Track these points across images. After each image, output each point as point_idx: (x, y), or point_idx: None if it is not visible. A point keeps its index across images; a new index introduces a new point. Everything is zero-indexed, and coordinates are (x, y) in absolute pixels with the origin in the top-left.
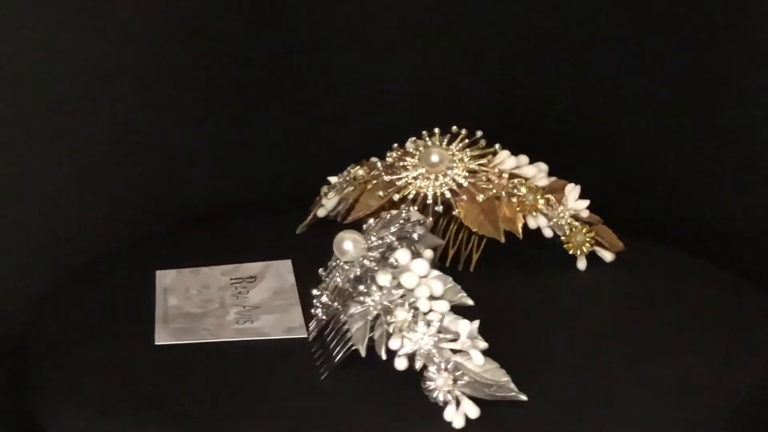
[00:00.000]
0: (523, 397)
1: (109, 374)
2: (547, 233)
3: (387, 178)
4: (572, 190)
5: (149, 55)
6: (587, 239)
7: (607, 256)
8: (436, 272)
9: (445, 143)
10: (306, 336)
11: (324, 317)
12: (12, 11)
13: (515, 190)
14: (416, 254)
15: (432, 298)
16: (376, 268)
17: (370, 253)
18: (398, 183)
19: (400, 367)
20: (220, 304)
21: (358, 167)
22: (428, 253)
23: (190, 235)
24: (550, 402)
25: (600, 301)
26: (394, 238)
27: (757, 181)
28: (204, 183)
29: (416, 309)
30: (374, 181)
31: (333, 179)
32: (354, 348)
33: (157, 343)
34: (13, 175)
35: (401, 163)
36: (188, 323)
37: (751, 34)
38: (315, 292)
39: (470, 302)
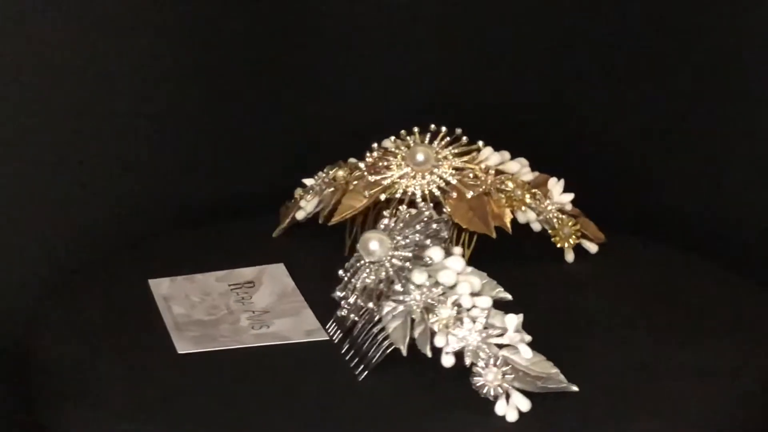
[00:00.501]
0: (574, 388)
1: (130, 383)
2: (536, 227)
3: (371, 178)
4: (556, 184)
5: (149, 55)
6: (574, 232)
7: (592, 247)
8: (470, 268)
9: (426, 141)
10: (326, 338)
11: (356, 318)
12: (12, 11)
13: (503, 186)
14: (447, 251)
15: (472, 294)
16: (410, 266)
17: (397, 252)
18: (384, 182)
19: (447, 364)
20: (227, 310)
21: (337, 168)
22: (458, 250)
23: (171, 240)
24: (590, 388)
25: (599, 292)
26: (422, 237)
27: (742, 175)
28: (204, 183)
29: (459, 306)
30: (355, 182)
31: (308, 181)
32: (391, 348)
33: (180, 353)
34: (13, 175)
35: (384, 163)
36: (203, 331)
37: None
38: (339, 293)
39: (508, 297)
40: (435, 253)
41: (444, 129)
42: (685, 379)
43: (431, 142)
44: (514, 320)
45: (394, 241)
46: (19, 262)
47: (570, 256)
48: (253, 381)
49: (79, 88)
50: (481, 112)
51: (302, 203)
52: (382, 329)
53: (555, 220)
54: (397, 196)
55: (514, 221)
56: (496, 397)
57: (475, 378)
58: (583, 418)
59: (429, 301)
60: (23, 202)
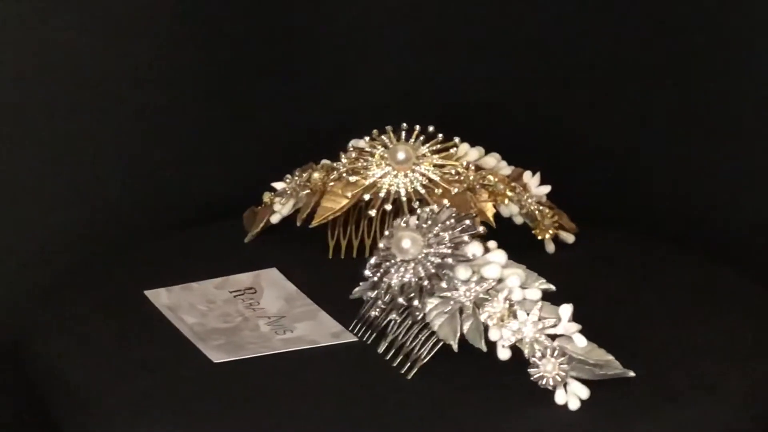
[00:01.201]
0: (631, 373)
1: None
2: (518, 221)
3: (351, 178)
4: (532, 177)
5: (149, 55)
6: (552, 223)
7: (569, 238)
8: (511, 262)
9: (402, 140)
10: (354, 339)
11: (396, 317)
12: (12, 12)
13: (485, 181)
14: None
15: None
16: (451, 262)
17: (432, 250)
18: (366, 182)
19: (504, 358)
20: (242, 317)
21: (311, 170)
22: (493, 244)
23: (148, 248)
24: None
25: (596, 278)
26: (456, 233)
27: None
28: (204, 183)
29: (510, 299)
30: (333, 183)
31: (279, 185)
32: (439, 345)
33: (216, 362)
34: (13, 175)
35: (362, 163)
36: (226, 338)
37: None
38: (370, 294)
39: (552, 288)
40: (475, 248)
41: (418, 127)
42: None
43: (407, 140)
44: (568, 310)
45: (426, 239)
46: (19, 263)
47: (551, 247)
48: (296, 386)
49: (79, 87)
50: (459, 111)
51: (276, 207)
52: (424, 327)
53: (537, 212)
54: (381, 195)
55: (496, 215)
56: (554, 387)
57: (532, 369)
58: (637, 403)
59: (481, 295)
60: (23, 202)
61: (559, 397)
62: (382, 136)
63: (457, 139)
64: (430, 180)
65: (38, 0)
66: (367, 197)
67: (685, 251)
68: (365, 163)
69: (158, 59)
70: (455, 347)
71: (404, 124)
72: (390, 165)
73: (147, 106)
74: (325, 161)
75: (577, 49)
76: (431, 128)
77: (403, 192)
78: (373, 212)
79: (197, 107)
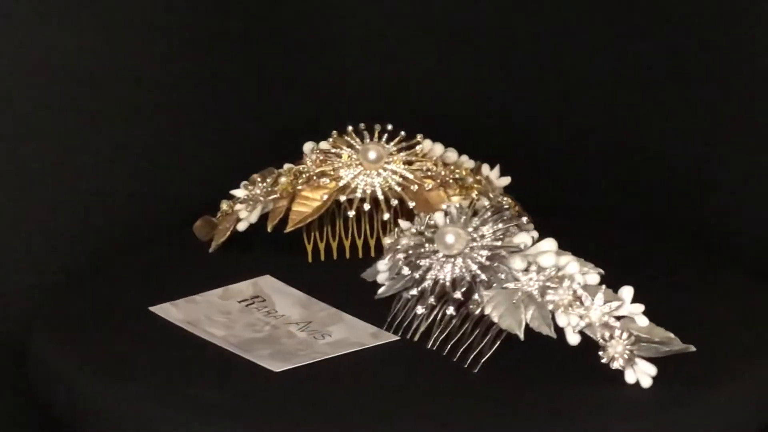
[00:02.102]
0: (692, 348)
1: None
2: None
3: (323, 180)
4: (492, 170)
5: (149, 55)
6: (515, 213)
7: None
8: (561, 250)
9: (369, 140)
10: (395, 338)
11: (454, 313)
12: (12, 11)
13: (454, 175)
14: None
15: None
16: (504, 254)
17: (478, 243)
18: (339, 183)
19: (574, 342)
20: (268, 326)
21: (276, 175)
22: (535, 233)
23: (146, 249)
24: None
25: None
26: (501, 225)
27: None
28: (204, 183)
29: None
30: (301, 187)
31: (239, 192)
32: (503, 336)
33: (278, 371)
34: (13, 176)
35: (332, 164)
36: (272, 347)
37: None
38: (414, 292)
39: (601, 272)
40: (525, 238)
41: (378, 126)
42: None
43: (370, 140)
44: (630, 292)
45: (470, 233)
46: (19, 263)
47: None
48: (358, 389)
49: (79, 87)
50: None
51: (242, 214)
52: (478, 320)
53: (504, 203)
54: (358, 195)
55: None
56: (623, 368)
57: (602, 352)
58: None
59: (546, 284)
60: (23, 202)
61: (630, 377)
62: (345, 137)
63: (419, 136)
64: (404, 177)
65: (38, 0)
66: (343, 198)
67: (682, 247)
68: (333, 165)
69: (158, 59)
70: (521, 336)
71: (362, 124)
72: (361, 165)
73: (147, 107)
74: (288, 165)
75: (577, 50)
76: (390, 126)
77: (379, 191)
78: (351, 213)
79: (198, 107)
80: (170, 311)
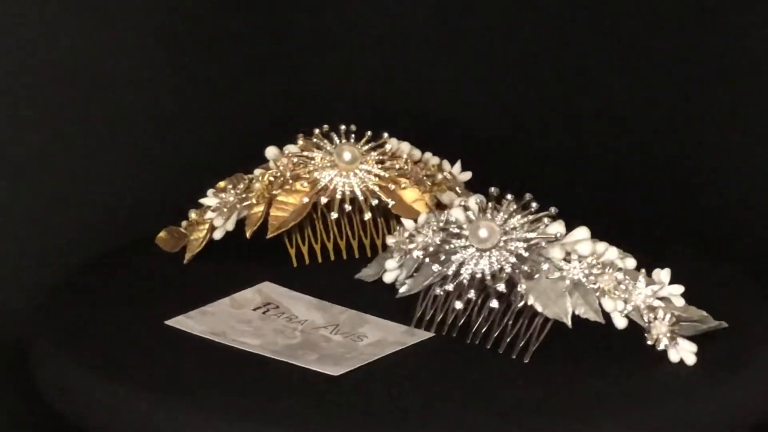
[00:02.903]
0: (725, 324)
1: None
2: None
3: (300, 184)
4: (454, 165)
5: (149, 55)
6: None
7: None
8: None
9: (340, 141)
10: (430, 335)
11: (497, 306)
12: (12, 11)
13: (426, 172)
14: None
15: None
16: (543, 245)
17: (511, 235)
18: (318, 186)
19: (621, 326)
20: (299, 332)
21: (248, 181)
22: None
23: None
24: None
25: None
26: (531, 216)
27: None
28: (205, 184)
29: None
30: (276, 192)
31: (209, 201)
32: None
33: (338, 375)
34: (13, 175)
35: (306, 167)
36: (317, 352)
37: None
38: (450, 287)
39: (631, 257)
40: (559, 227)
41: (343, 127)
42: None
43: (344, 141)
44: (668, 274)
45: (503, 225)
46: (19, 263)
47: None
48: (409, 388)
49: (79, 87)
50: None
51: (217, 222)
52: (519, 311)
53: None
54: (338, 196)
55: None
56: (667, 347)
57: (647, 334)
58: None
59: (590, 271)
60: (23, 202)
61: (674, 356)
62: (314, 139)
63: (386, 134)
64: (380, 177)
65: (38, 0)
66: (324, 200)
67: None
68: (308, 168)
69: (159, 59)
70: (570, 324)
71: (325, 126)
72: (337, 166)
73: (148, 107)
74: (258, 170)
75: (577, 47)
76: (353, 126)
77: (358, 191)
78: (334, 215)
79: (197, 108)
80: (188, 324)
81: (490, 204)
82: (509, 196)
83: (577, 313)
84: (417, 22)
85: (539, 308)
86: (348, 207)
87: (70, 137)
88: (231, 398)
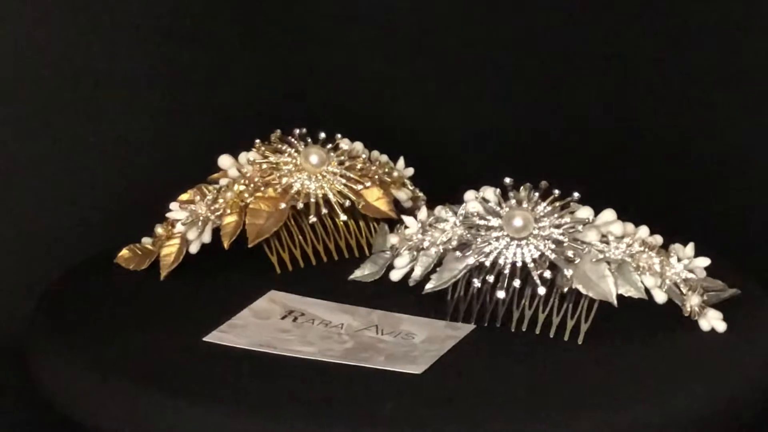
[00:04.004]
0: (739, 291)
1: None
2: (408, 204)
3: (271, 190)
4: (396, 163)
5: (149, 55)
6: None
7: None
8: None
9: (303, 145)
10: (472, 326)
11: (543, 293)
12: (12, 11)
13: (384, 169)
14: None
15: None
16: (580, 229)
17: (543, 223)
18: (291, 191)
19: (661, 301)
20: (346, 335)
21: (217, 191)
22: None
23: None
24: None
25: None
26: (558, 204)
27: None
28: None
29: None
30: (249, 199)
31: (177, 214)
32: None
33: (421, 372)
34: (13, 175)
35: (276, 172)
36: (384, 354)
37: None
38: (489, 278)
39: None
40: (588, 212)
41: (297, 130)
42: None
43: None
44: (692, 247)
45: (534, 213)
46: (19, 263)
47: None
48: (485, 378)
49: (78, 87)
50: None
51: (191, 235)
52: (563, 295)
53: (416, 192)
54: (312, 200)
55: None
56: (698, 317)
57: (683, 308)
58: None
59: (631, 250)
60: (23, 202)
61: (705, 325)
62: (272, 144)
63: (338, 136)
64: (347, 178)
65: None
66: (300, 205)
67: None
68: (276, 173)
69: (158, 59)
70: (615, 303)
71: (278, 130)
72: (304, 170)
73: (148, 107)
74: (224, 180)
75: (576, 44)
76: (304, 130)
77: (330, 194)
78: (313, 218)
79: (198, 108)
80: (228, 338)
81: (516, 194)
82: (527, 185)
83: (620, 292)
84: (406, 24)
85: (584, 291)
86: (325, 210)
87: (70, 137)
88: (319, 407)
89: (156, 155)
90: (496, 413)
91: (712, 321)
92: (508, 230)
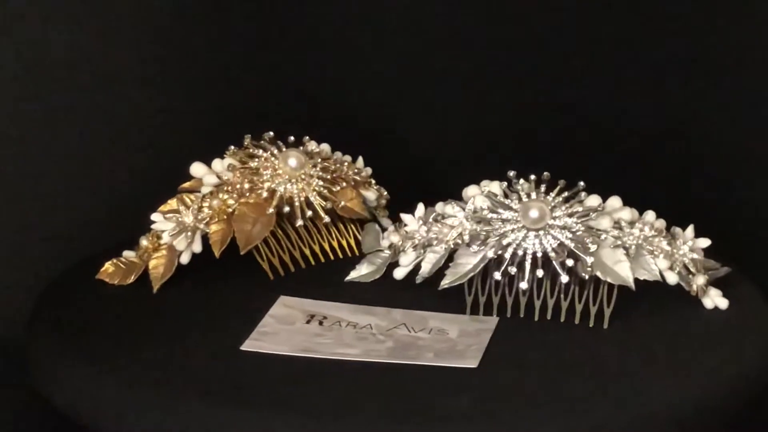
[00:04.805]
0: (730, 269)
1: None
2: (374, 203)
3: (255, 196)
4: (355, 162)
5: (149, 55)
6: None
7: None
8: None
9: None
10: (496, 318)
11: (567, 279)
12: (12, 11)
13: (352, 170)
14: None
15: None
16: (593, 217)
17: (558, 213)
18: (276, 196)
19: (673, 282)
20: (382, 335)
21: (201, 200)
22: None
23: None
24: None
25: None
26: (567, 194)
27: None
28: None
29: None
30: (234, 206)
31: (163, 225)
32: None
33: (474, 365)
34: (13, 175)
35: (256, 178)
36: (426, 350)
37: None
38: (512, 269)
39: None
40: (597, 200)
41: (271, 133)
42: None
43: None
44: (692, 229)
45: (549, 203)
46: (19, 263)
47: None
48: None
49: (79, 87)
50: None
51: (180, 245)
52: (583, 282)
53: (381, 192)
54: (296, 204)
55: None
56: (701, 296)
57: (690, 288)
58: None
59: (645, 234)
60: (23, 202)
61: (709, 303)
62: (248, 150)
63: (306, 138)
64: (323, 179)
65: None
66: (287, 209)
67: None
68: (257, 178)
69: (158, 59)
70: (633, 287)
71: (248, 136)
72: (284, 174)
73: (148, 107)
74: (207, 187)
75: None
76: (271, 133)
77: (312, 197)
78: (300, 222)
79: (197, 108)
80: (265, 346)
81: (526, 186)
82: (532, 177)
83: (636, 276)
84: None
85: (602, 276)
86: (309, 213)
87: (70, 137)
88: (391, 404)
89: (156, 155)
90: (565, 400)
91: (715, 299)
92: (524, 221)
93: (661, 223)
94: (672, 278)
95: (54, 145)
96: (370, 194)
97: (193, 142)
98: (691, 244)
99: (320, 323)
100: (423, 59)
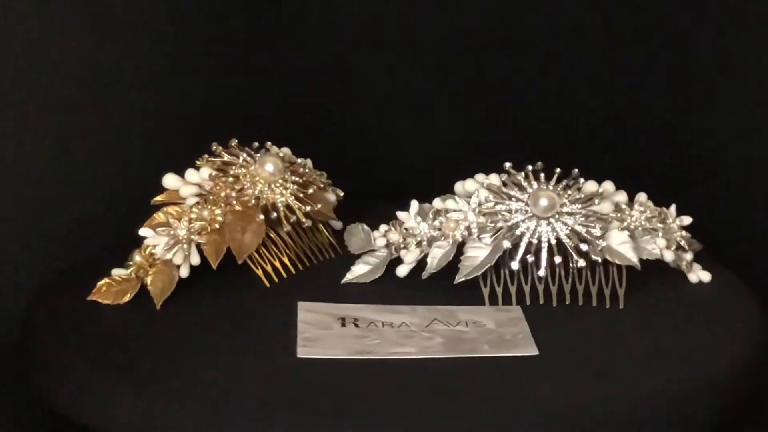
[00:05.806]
0: (701, 245)
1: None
2: (334, 203)
3: (240, 204)
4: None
5: (149, 55)
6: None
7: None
8: None
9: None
10: (517, 306)
11: (584, 263)
12: (12, 11)
13: (315, 174)
14: None
15: None
16: (597, 202)
17: (566, 200)
18: (260, 204)
19: (670, 260)
20: (425, 332)
21: (190, 209)
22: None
23: None
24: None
25: None
26: (565, 182)
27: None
28: None
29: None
30: (223, 216)
31: (155, 239)
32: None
33: (538, 353)
34: (13, 175)
35: (234, 187)
36: (486, 343)
37: None
38: (530, 258)
39: None
40: (595, 185)
41: (236, 141)
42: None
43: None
44: (674, 208)
45: (560, 193)
46: (19, 263)
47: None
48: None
49: (79, 87)
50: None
51: (177, 259)
52: (593, 266)
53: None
54: (280, 209)
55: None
56: (687, 272)
57: (679, 264)
58: None
59: (647, 216)
60: (23, 202)
61: (693, 278)
62: (224, 157)
63: (268, 143)
64: (298, 184)
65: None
66: (274, 215)
67: None
68: (241, 187)
69: (158, 59)
70: (639, 266)
71: (215, 144)
72: (264, 179)
73: (148, 107)
74: (191, 200)
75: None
76: (236, 140)
77: (291, 200)
78: (288, 227)
79: (198, 108)
80: (321, 352)
81: (530, 176)
82: (529, 167)
83: (640, 256)
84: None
85: (610, 259)
86: (294, 217)
87: (69, 136)
88: (470, 398)
89: (156, 155)
90: (628, 377)
91: (699, 273)
92: (534, 210)
93: (652, 204)
94: (669, 256)
95: (54, 145)
96: (332, 197)
97: (193, 142)
98: (679, 222)
99: (356, 325)
100: (402, 59)
